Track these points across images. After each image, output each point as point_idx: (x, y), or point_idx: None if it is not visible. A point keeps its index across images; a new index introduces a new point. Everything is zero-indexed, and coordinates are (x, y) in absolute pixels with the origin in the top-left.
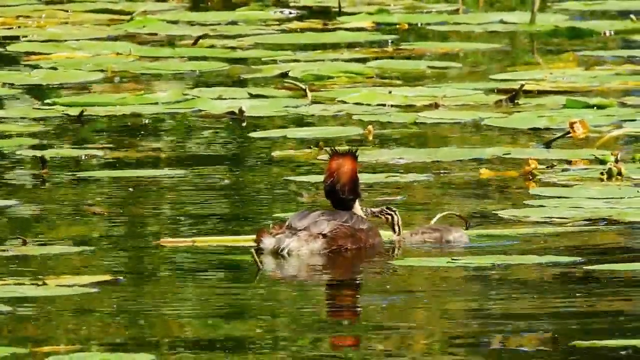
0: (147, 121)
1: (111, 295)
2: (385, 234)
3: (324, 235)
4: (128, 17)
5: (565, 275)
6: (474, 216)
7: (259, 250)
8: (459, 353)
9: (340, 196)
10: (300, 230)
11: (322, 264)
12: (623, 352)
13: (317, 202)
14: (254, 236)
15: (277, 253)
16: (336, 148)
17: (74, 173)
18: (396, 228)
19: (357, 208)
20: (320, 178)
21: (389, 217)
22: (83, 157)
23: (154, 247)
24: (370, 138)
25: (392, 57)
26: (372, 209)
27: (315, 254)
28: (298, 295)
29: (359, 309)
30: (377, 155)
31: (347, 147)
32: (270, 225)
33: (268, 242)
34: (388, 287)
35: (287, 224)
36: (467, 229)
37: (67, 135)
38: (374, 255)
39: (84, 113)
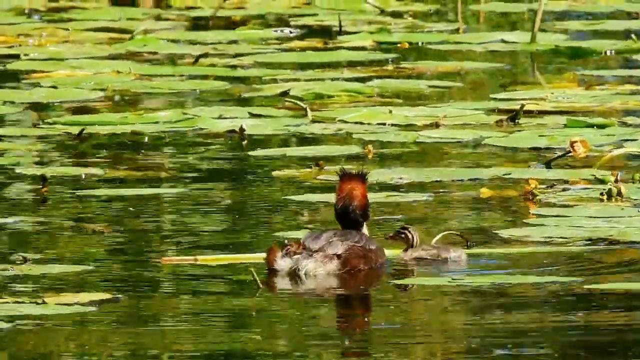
0: (146, 139)
1: (111, 313)
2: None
3: (339, 256)
4: (128, 35)
5: (564, 295)
6: (474, 236)
7: (274, 271)
8: None
9: (352, 218)
10: (315, 251)
11: (327, 283)
12: None
13: (318, 221)
14: (265, 255)
15: (294, 273)
16: (346, 169)
17: (74, 191)
18: (414, 246)
19: (365, 228)
20: (321, 197)
21: (410, 236)
22: (83, 176)
23: (154, 265)
24: (370, 157)
25: (392, 77)
26: (389, 235)
27: (330, 275)
28: (301, 313)
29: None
30: (377, 174)
31: (357, 168)
32: (286, 241)
33: (284, 263)
34: (391, 306)
35: (302, 244)
36: (468, 247)
37: (67, 153)
38: (381, 275)
39: (85, 131)
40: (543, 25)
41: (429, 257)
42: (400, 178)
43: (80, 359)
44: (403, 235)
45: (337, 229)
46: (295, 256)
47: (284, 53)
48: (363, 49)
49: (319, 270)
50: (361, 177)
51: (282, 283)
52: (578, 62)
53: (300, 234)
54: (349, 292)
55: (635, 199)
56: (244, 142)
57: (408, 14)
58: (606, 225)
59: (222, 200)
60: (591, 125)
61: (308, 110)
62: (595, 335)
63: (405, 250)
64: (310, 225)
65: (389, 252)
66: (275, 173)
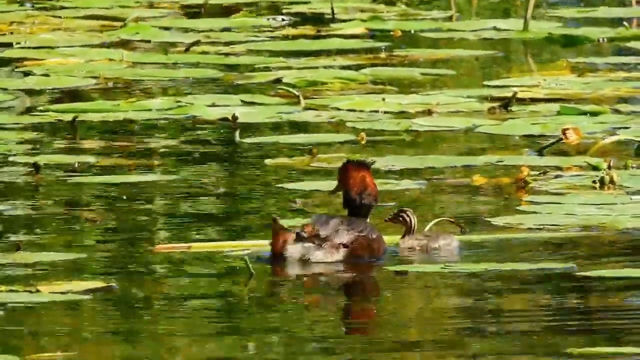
0: (137, 127)
1: (105, 302)
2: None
3: (345, 246)
4: (121, 23)
5: (557, 282)
6: (467, 222)
7: (283, 257)
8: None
9: (365, 206)
10: (324, 239)
11: (323, 270)
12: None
13: (311, 208)
14: (270, 240)
15: (303, 261)
16: (354, 159)
17: (67, 178)
18: (412, 230)
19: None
20: (314, 184)
21: (408, 219)
22: (76, 164)
23: (148, 252)
24: (363, 142)
25: (385, 64)
26: (388, 218)
27: (335, 264)
28: (296, 300)
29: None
30: (362, 157)
31: (363, 158)
32: (303, 226)
33: (295, 250)
34: (387, 294)
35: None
36: (462, 234)
37: (60, 141)
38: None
39: (77, 119)
40: (536, 12)
41: (418, 248)
42: (393, 165)
43: (72, 346)
44: (401, 219)
45: (344, 217)
46: (308, 244)
47: (276, 41)
48: (356, 36)
49: (328, 260)
50: (367, 166)
51: (277, 270)
52: (571, 50)
53: (293, 222)
54: (345, 279)
55: (627, 187)
56: (237, 130)
57: (401, 1)
58: (599, 212)
59: (215, 188)
60: (584, 113)
61: (301, 97)
62: (588, 320)
63: (404, 234)
64: (304, 212)
65: (386, 239)
66: (268, 160)
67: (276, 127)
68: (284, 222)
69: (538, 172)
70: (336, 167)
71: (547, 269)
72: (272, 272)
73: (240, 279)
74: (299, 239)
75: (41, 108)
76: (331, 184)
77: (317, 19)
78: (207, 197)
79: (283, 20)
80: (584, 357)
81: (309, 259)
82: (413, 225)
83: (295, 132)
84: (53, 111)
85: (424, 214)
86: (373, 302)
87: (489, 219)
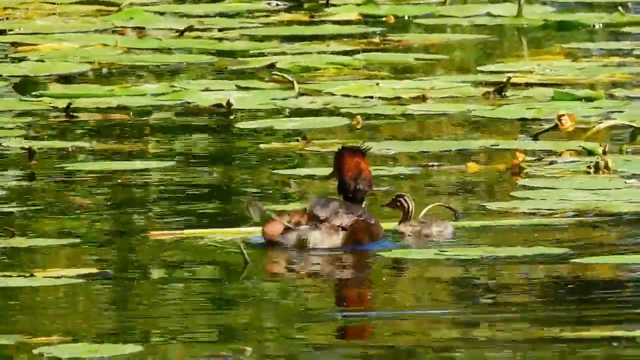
0: (131, 113)
1: (99, 287)
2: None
3: (344, 229)
4: (115, 8)
5: (553, 267)
6: (461, 208)
7: (276, 244)
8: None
9: (361, 191)
10: (322, 222)
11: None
12: (615, 344)
13: (305, 193)
14: (263, 228)
15: (301, 245)
16: (349, 145)
17: (62, 165)
18: (409, 216)
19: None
20: (308, 170)
21: (406, 204)
22: (70, 150)
23: (142, 239)
24: (359, 127)
25: (379, 50)
26: (386, 203)
27: (334, 247)
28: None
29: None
30: (358, 144)
31: (358, 144)
32: (289, 214)
33: (290, 236)
34: (383, 279)
35: (308, 210)
36: (456, 220)
37: (54, 127)
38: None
39: (71, 105)
40: None
41: (411, 235)
42: (388, 150)
43: (67, 330)
44: (399, 204)
45: (342, 201)
46: (303, 226)
47: (270, 26)
48: (349, 22)
49: (325, 243)
50: (363, 152)
51: (272, 257)
52: (565, 35)
53: (288, 207)
54: (340, 266)
55: (622, 171)
56: (231, 116)
57: None
58: (594, 197)
59: (209, 174)
60: (578, 98)
61: (295, 83)
62: (583, 306)
63: (401, 220)
64: (297, 198)
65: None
66: (262, 146)
67: (270, 112)
68: (279, 207)
69: (533, 158)
70: (331, 151)
71: (541, 254)
72: (266, 258)
73: (234, 265)
74: (287, 229)
75: (35, 93)
76: (325, 170)
77: (311, 4)
78: (201, 183)
79: (277, 5)
80: (577, 341)
81: (307, 241)
82: (410, 210)
83: (289, 117)
84: (47, 97)
85: (418, 199)
86: (366, 285)
87: (483, 204)
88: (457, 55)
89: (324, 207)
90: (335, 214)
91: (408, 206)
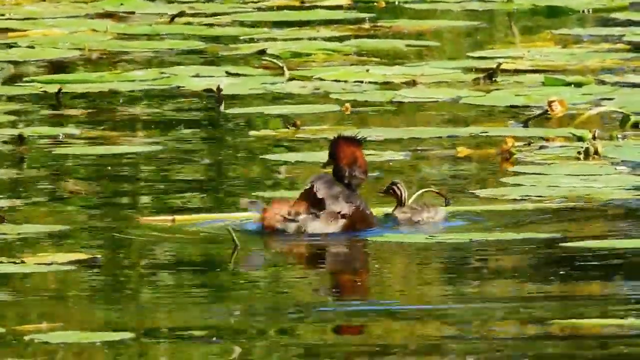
0: (121, 100)
1: (89, 273)
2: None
3: (344, 216)
4: None
5: (543, 253)
6: (451, 193)
7: (275, 231)
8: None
9: (355, 179)
10: (321, 209)
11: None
12: (606, 330)
13: (295, 180)
14: (262, 215)
15: (300, 233)
16: (344, 134)
17: (52, 150)
18: (403, 202)
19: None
20: (298, 156)
21: (399, 191)
22: (60, 136)
23: (132, 225)
24: (348, 113)
25: (369, 36)
26: (381, 190)
27: (333, 234)
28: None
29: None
30: (354, 133)
31: (354, 133)
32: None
33: (291, 226)
34: (376, 265)
35: (309, 182)
36: (446, 205)
37: (44, 112)
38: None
39: (62, 90)
40: None
41: (403, 221)
42: (378, 136)
43: (57, 317)
44: (392, 191)
45: (343, 187)
46: (302, 216)
47: (260, 12)
48: (339, 7)
49: (324, 230)
50: (359, 141)
51: (262, 242)
52: (555, 21)
53: (277, 194)
54: (331, 250)
55: (612, 157)
56: (222, 101)
57: None
58: (583, 183)
59: (200, 160)
60: (568, 84)
61: (285, 68)
62: (572, 292)
63: (395, 207)
64: (288, 183)
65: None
66: (252, 132)
67: (260, 98)
68: (269, 194)
69: (523, 144)
70: (321, 138)
71: (532, 240)
72: (257, 243)
73: (224, 250)
74: (290, 218)
75: (26, 79)
76: (315, 155)
77: None
78: (191, 169)
79: None
80: (568, 329)
81: (306, 231)
82: (404, 197)
83: (279, 103)
84: (38, 82)
85: (408, 185)
86: (357, 271)
87: (473, 191)
88: (448, 41)
89: (325, 186)
90: (335, 198)
91: (401, 193)
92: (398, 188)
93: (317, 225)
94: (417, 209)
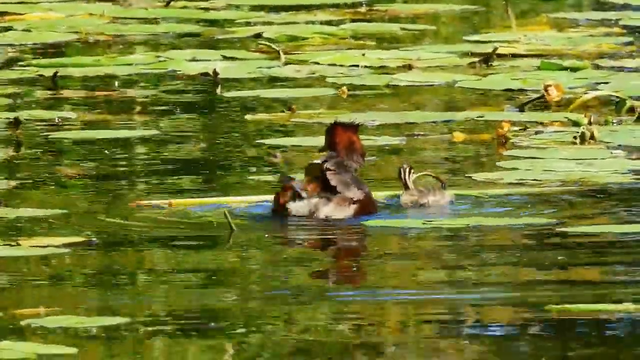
0: (117, 84)
1: (85, 256)
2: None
3: (354, 202)
4: None
5: (539, 237)
6: (447, 178)
7: (287, 213)
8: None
9: (353, 165)
10: (335, 193)
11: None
12: (604, 317)
13: (291, 164)
14: (275, 195)
15: (311, 216)
16: (342, 120)
17: (48, 134)
18: (409, 184)
19: None
20: (294, 140)
21: (402, 174)
22: (57, 119)
23: (129, 208)
24: (344, 97)
25: (365, 20)
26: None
27: (346, 219)
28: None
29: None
30: (350, 117)
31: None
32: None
33: (301, 205)
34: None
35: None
36: (443, 189)
37: (40, 96)
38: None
39: (58, 74)
40: None
41: (410, 204)
42: (373, 120)
43: (54, 300)
44: (399, 174)
45: (352, 173)
46: (314, 200)
47: None
48: None
49: (337, 215)
50: (356, 127)
51: (259, 226)
52: (551, 5)
53: (273, 178)
54: (325, 235)
55: (608, 142)
56: (218, 85)
57: None
58: (579, 168)
59: (196, 144)
60: (565, 68)
61: (281, 52)
62: (567, 276)
63: (403, 190)
64: (283, 167)
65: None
66: (248, 116)
67: (256, 82)
68: (263, 177)
69: (519, 128)
70: (317, 122)
71: (528, 225)
72: (254, 227)
73: (220, 233)
74: (299, 197)
75: (22, 63)
76: (310, 140)
77: None
78: (187, 153)
79: None
80: (563, 313)
81: (318, 214)
82: (406, 181)
83: (275, 87)
84: (34, 66)
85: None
86: (352, 256)
87: (469, 175)
88: (444, 25)
89: (340, 169)
90: (346, 185)
91: (404, 177)
92: (402, 171)
93: (329, 210)
94: (424, 191)
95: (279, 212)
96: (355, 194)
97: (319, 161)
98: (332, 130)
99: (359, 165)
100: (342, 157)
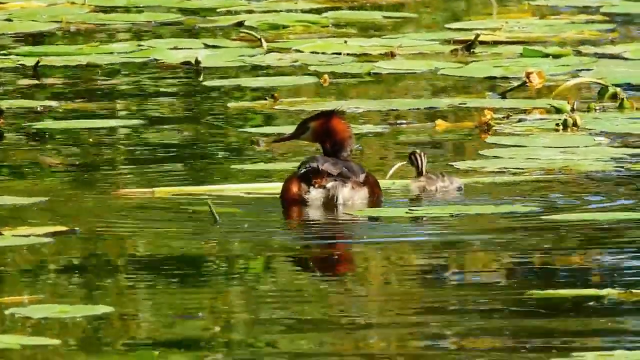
0: (100, 72)
1: (68, 246)
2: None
3: (364, 184)
4: None
5: (521, 225)
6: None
7: (305, 201)
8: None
9: (348, 152)
10: (347, 178)
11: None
12: (590, 303)
13: (275, 152)
14: (283, 186)
15: (330, 202)
16: (337, 109)
17: (30, 123)
18: (423, 170)
19: None
20: (276, 129)
21: (418, 160)
22: (39, 108)
23: (111, 197)
24: (326, 85)
25: (347, 8)
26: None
27: (359, 202)
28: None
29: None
30: (332, 105)
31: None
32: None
33: (316, 193)
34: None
35: (320, 167)
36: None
37: (22, 85)
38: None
39: (40, 63)
40: None
41: (417, 190)
42: (356, 108)
43: (38, 289)
44: (412, 160)
45: (345, 160)
46: (330, 184)
47: None
48: None
49: (354, 199)
50: (335, 114)
51: (241, 216)
52: None
53: (257, 167)
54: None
55: (590, 129)
56: (200, 74)
57: None
58: (562, 155)
59: (178, 132)
60: (547, 55)
61: (263, 41)
62: (550, 264)
63: (416, 176)
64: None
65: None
66: (230, 104)
67: (238, 71)
68: (245, 166)
69: (501, 116)
70: (299, 110)
71: (511, 212)
72: (236, 217)
73: (203, 223)
74: (315, 185)
75: (4, 52)
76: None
77: None
78: (170, 142)
79: None
80: (545, 300)
81: (337, 198)
82: (422, 166)
83: (257, 75)
84: (16, 55)
85: (387, 157)
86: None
87: (452, 163)
88: (426, 12)
89: (334, 165)
90: (348, 170)
91: (420, 162)
92: (416, 157)
93: (347, 193)
94: (433, 178)
95: (293, 201)
96: (360, 177)
97: (309, 167)
98: (328, 121)
99: (348, 149)
100: (344, 145)
